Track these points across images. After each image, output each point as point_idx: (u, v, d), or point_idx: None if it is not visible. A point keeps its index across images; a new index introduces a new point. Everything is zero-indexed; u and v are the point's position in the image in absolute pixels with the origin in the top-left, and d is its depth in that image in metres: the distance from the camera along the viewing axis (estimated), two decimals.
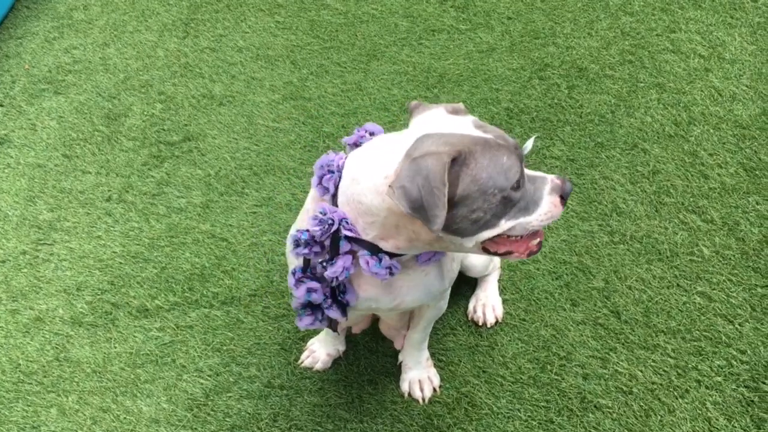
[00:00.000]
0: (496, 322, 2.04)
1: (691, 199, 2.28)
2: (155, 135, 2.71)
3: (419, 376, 1.92)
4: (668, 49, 2.77)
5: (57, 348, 2.13)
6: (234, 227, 2.37)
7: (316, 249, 1.45)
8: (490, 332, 2.03)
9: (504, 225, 1.37)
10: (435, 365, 1.97)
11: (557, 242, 2.21)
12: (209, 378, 2.02)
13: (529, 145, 2.40)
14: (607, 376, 1.92)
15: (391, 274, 1.42)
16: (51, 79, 3.00)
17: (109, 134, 2.74)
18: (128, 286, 2.26)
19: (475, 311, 2.05)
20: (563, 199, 1.41)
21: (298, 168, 2.52)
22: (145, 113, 2.80)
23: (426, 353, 1.92)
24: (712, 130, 2.47)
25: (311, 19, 3.09)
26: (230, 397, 1.98)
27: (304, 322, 1.56)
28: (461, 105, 1.44)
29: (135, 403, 1.99)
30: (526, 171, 1.40)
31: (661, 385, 1.89)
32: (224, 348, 2.08)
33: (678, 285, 2.08)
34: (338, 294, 1.52)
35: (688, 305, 2.04)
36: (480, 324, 2.03)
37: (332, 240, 1.43)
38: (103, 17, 3.25)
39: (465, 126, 1.35)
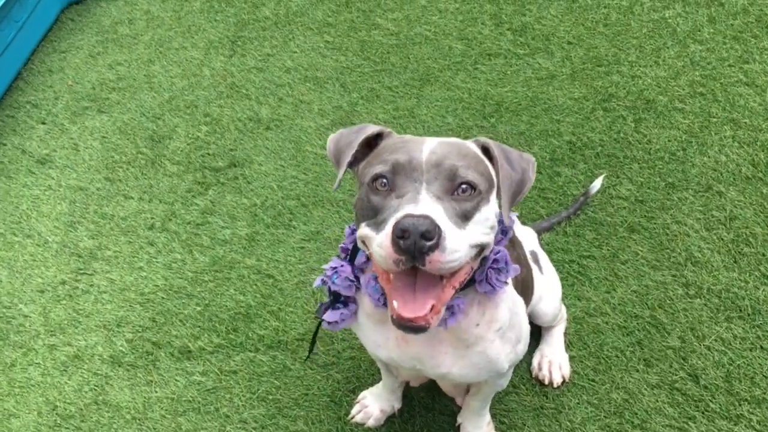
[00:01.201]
0: (563, 381, 1.85)
1: None
2: (200, 159, 2.56)
3: None
4: (742, 81, 2.56)
5: (95, 390, 2.00)
6: (281, 263, 2.22)
7: (341, 251, 1.44)
8: (556, 393, 1.85)
9: (362, 229, 1.19)
10: (496, 428, 1.79)
11: (627, 293, 2.02)
12: (254, 431, 1.87)
13: (597, 184, 2.22)
14: None
15: (386, 305, 1.31)
16: (94, 96, 2.88)
17: (153, 157, 2.60)
18: (170, 323, 2.12)
19: (540, 368, 1.87)
20: (395, 236, 1.06)
21: (348, 201, 2.36)
22: (190, 136, 2.66)
23: (487, 417, 1.74)
24: None
25: (362, 39, 2.93)
26: None
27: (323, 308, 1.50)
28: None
29: None
30: (424, 193, 1.13)
31: None
32: (270, 398, 1.92)
33: (761, 347, 1.88)
34: (338, 301, 1.45)
35: None
36: (546, 383, 1.85)
37: (354, 247, 1.38)
38: (149, 32, 3.12)
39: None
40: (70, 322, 2.16)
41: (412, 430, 1.82)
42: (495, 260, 1.30)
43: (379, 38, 2.92)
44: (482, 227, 1.19)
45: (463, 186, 1.16)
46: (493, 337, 1.38)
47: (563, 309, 1.92)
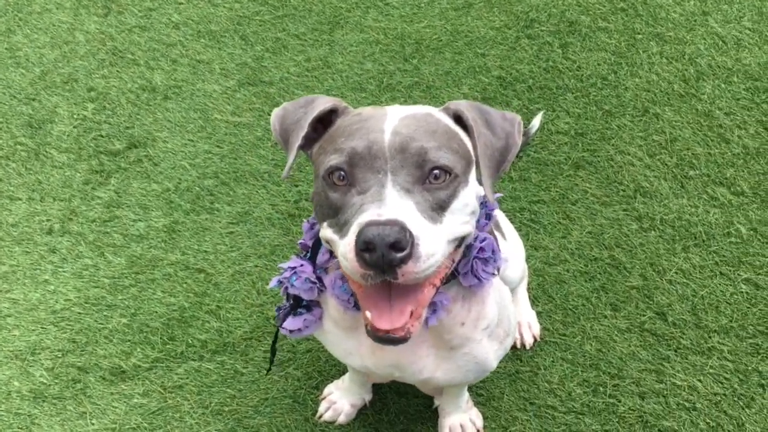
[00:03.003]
0: (535, 341, 1.73)
1: (717, 170, 1.99)
2: (93, 144, 2.18)
3: (460, 420, 1.60)
4: None
5: None
6: (210, 253, 1.94)
7: (301, 248, 1.23)
8: (529, 354, 1.72)
9: (325, 230, 1.01)
10: (475, 403, 1.66)
11: (583, 235, 1.89)
12: None
13: (536, 123, 2.05)
14: (665, 391, 1.66)
15: (357, 307, 1.12)
16: None
17: (35, 147, 2.19)
18: (94, 342, 1.81)
19: None
20: (358, 248, 0.89)
21: (273, 171, 2.08)
22: (75, 116, 2.25)
23: (466, 395, 1.60)
24: (723, 85, 2.17)
25: None
26: None
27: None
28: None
29: None
30: (390, 187, 0.93)
31: (724, 395, 1.65)
32: (226, 409, 1.69)
33: (721, 273, 1.82)
34: (298, 307, 1.25)
35: (735, 296, 1.78)
36: (518, 346, 1.72)
37: (314, 244, 1.18)
38: None
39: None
40: None
41: (387, 420, 1.66)
42: (480, 249, 1.11)
43: None
44: (461, 215, 1.00)
45: (435, 172, 0.96)
46: (480, 337, 1.21)
47: (525, 265, 1.78)
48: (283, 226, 1.96)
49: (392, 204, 0.91)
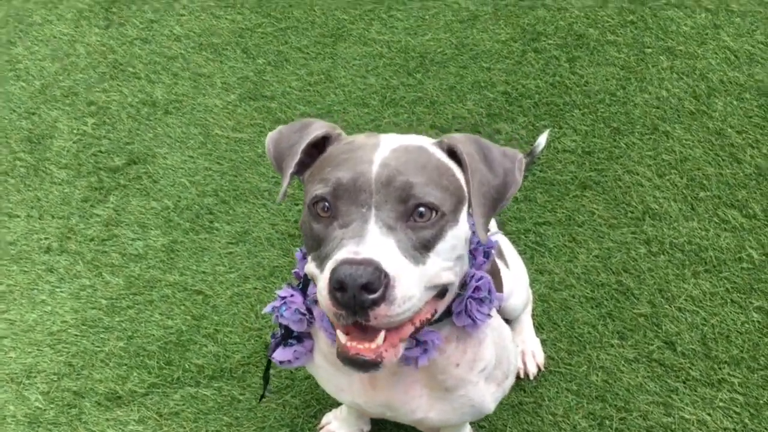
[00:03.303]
0: (539, 371, 1.67)
1: (728, 191, 1.92)
2: (92, 160, 2.13)
3: None
4: (670, 3, 2.34)
5: None
6: (209, 275, 1.88)
7: (293, 275, 1.20)
8: (533, 385, 1.66)
9: (308, 264, 0.97)
10: None
11: (589, 259, 1.83)
12: None
13: (542, 141, 1.98)
14: (673, 426, 1.59)
15: None
16: None
17: (35, 163, 2.15)
18: (90, 366, 1.77)
19: None
20: (331, 286, 0.85)
21: (274, 189, 2.02)
22: (75, 131, 2.20)
23: (468, 428, 1.54)
24: (735, 102, 2.09)
25: None
26: None
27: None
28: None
29: None
30: (372, 223, 0.88)
31: (734, 430, 1.58)
32: None
33: (732, 301, 1.75)
34: (289, 337, 1.20)
35: (747, 325, 1.71)
36: (521, 376, 1.66)
37: (306, 274, 1.12)
38: (2, 7, 2.55)
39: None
40: None
41: None
42: (476, 288, 1.05)
43: None
44: (446, 259, 0.93)
45: (421, 209, 0.90)
46: (476, 379, 1.15)
47: (529, 291, 1.71)
48: (282, 247, 1.91)
49: (372, 242, 0.86)
